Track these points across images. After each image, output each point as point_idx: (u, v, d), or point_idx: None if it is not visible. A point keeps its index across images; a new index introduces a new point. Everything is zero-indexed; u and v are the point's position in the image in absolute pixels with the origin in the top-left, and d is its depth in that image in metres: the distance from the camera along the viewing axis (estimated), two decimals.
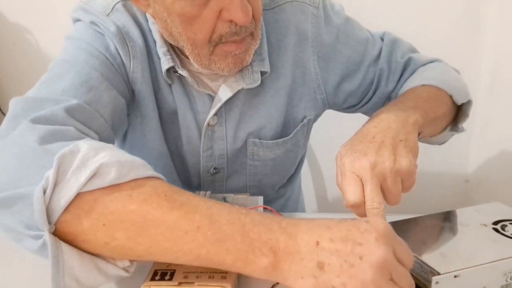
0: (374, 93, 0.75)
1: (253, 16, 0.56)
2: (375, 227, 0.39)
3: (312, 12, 0.70)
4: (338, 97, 0.75)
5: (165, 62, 0.63)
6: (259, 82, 0.66)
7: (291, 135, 0.74)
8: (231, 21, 0.55)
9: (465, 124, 0.74)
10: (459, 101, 0.63)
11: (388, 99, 0.75)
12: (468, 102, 0.70)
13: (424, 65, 0.74)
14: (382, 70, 0.72)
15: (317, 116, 0.78)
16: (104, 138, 0.55)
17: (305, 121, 0.74)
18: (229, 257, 0.40)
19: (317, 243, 0.39)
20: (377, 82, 0.73)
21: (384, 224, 0.40)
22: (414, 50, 0.76)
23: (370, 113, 0.79)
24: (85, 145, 0.42)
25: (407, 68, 0.74)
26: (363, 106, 0.77)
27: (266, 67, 0.66)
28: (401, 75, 0.74)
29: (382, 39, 0.75)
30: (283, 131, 0.74)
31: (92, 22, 0.62)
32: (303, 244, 0.39)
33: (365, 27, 0.75)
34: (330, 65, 0.71)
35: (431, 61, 0.75)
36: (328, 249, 0.38)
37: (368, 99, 0.76)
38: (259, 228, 0.40)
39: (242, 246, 0.39)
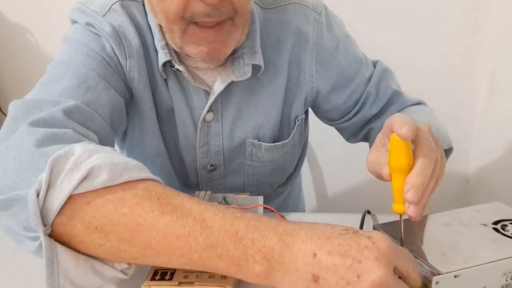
0: (355, 114, 0.75)
1: (232, 3, 0.55)
2: (377, 244, 0.38)
3: (314, 17, 0.70)
4: (324, 105, 0.76)
5: (163, 56, 0.63)
6: (249, 74, 0.66)
7: (289, 139, 0.75)
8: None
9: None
10: (443, 147, 0.64)
11: (367, 122, 0.76)
12: (449, 150, 0.70)
13: (412, 105, 0.75)
14: (370, 93, 0.73)
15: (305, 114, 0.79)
16: (104, 137, 0.55)
17: (298, 121, 0.75)
18: (222, 263, 0.39)
19: (314, 254, 0.38)
20: (362, 103, 0.74)
21: (386, 241, 0.39)
22: (399, 86, 0.77)
23: (345, 131, 0.80)
24: (80, 148, 0.42)
25: (395, 102, 0.75)
26: (341, 123, 0.78)
27: (259, 61, 0.66)
28: (386, 104, 0.74)
29: (374, 66, 0.76)
30: (280, 131, 0.74)
31: (88, 23, 0.62)
32: (299, 254, 0.38)
33: (361, 50, 0.76)
34: (327, 71, 0.72)
35: (418, 102, 0.77)
36: (325, 263, 0.38)
37: (348, 118, 0.76)
38: (253, 234, 0.39)
39: (234, 253, 0.39)
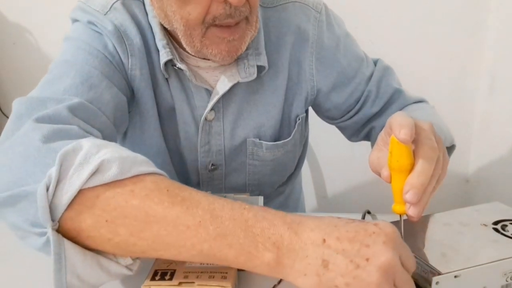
0: (356, 113, 0.75)
1: (248, 1, 0.57)
2: (383, 230, 0.39)
3: (314, 15, 0.70)
4: (325, 104, 0.76)
5: (164, 55, 0.63)
6: (255, 75, 0.66)
7: (290, 137, 0.75)
8: (225, 1, 0.55)
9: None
10: (446, 145, 0.64)
11: (368, 121, 0.76)
12: (451, 147, 0.70)
13: (412, 103, 0.75)
14: (370, 92, 0.73)
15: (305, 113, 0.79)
16: (107, 135, 0.55)
17: (299, 120, 0.75)
18: (232, 252, 0.40)
19: (324, 240, 0.39)
20: (362, 102, 0.74)
21: (392, 228, 0.39)
22: (400, 84, 0.78)
23: (346, 130, 0.80)
24: (88, 143, 0.42)
25: (396, 100, 0.75)
26: (342, 122, 0.78)
27: (263, 62, 0.67)
28: (387, 103, 0.74)
29: (375, 64, 0.76)
30: (281, 130, 0.74)
31: (89, 22, 0.63)
32: (309, 241, 0.39)
33: (361, 48, 0.76)
34: (327, 70, 0.72)
35: (419, 101, 0.77)
36: (334, 248, 0.38)
37: (349, 117, 0.76)
38: (262, 223, 0.40)
39: (244, 241, 0.39)
